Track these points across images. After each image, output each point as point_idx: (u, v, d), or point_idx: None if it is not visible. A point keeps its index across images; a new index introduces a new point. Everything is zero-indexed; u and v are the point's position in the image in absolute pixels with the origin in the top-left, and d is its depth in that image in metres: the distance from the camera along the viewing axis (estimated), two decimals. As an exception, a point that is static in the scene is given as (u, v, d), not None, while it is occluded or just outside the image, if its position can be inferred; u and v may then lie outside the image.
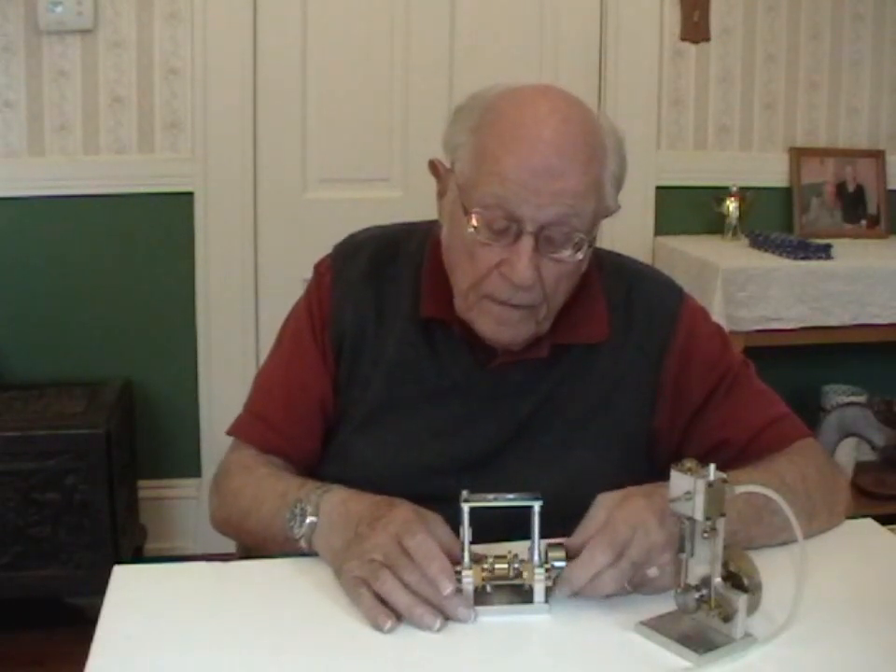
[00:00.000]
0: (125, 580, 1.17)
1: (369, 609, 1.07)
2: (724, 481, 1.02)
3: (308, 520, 1.19)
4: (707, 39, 3.05)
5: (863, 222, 3.16)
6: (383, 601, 1.07)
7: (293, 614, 1.10)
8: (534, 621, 1.09)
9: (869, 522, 1.34)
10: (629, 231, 2.93)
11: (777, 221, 3.11)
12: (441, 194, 1.33)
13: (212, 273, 2.88)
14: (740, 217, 2.97)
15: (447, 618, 1.07)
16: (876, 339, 2.82)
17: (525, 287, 1.22)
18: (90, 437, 2.47)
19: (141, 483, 2.87)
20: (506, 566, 1.09)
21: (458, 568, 1.08)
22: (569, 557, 1.09)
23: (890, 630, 1.07)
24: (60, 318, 2.84)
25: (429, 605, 1.06)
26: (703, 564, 1.04)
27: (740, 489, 1.06)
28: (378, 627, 1.05)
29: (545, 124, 1.21)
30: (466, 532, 1.08)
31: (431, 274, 1.35)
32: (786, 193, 3.14)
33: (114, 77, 2.76)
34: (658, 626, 1.06)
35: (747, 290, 2.64)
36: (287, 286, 2.52)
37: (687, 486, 1.02)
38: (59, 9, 2.67)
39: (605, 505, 1.12)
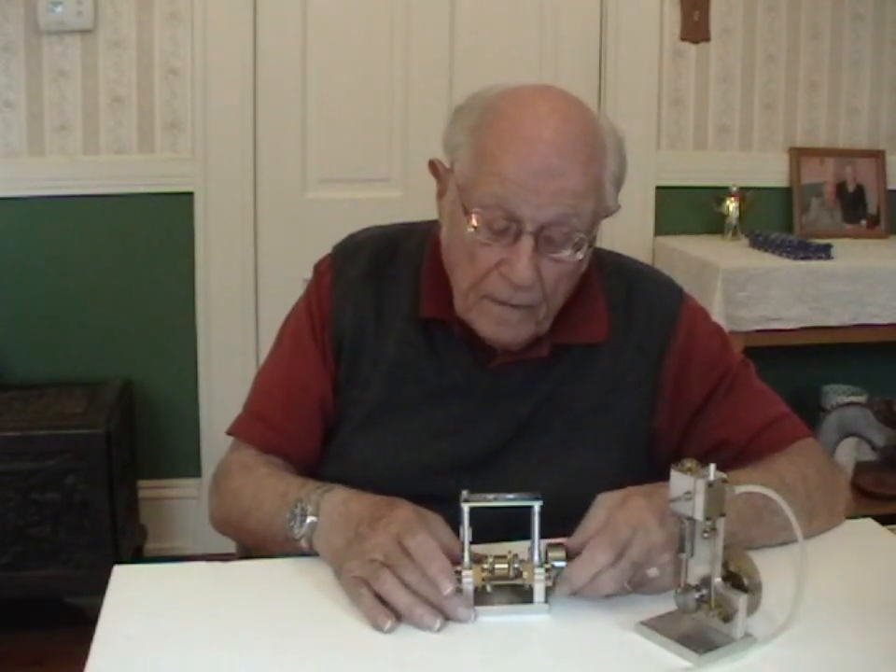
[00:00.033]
0: (125, 580, 1.17)
1: (369, 608, 1.07)
2: (724, 481, 1.02)
3: (308, 520, 1.19)
4: (707, 39, 3.05)
5: (863, 222, 3.16)
6: (383, 601, 1.07)
7: (293, 614, 1.10)
8: (534, 621, 1.09)
9: (869, 522, 1.34)
10: (629, 231, 2.93)
11: (776, 221, 3.11)
12: (440, 194, 1.33)
13: (212, 273, 2.88)
14: (740, 217, 2.97)
15: (447, 618, 1.07)
16: (876, 339, 2.82)
17: (525, 287, 1.22)
18: (90, 437, 2.47)
19: (141, 483, 2.87)
20: (506, 566, 1.09)
21: (458, 568, 1.08)
22: (569, 557, 1.09)
23: (890, 630, 1.07)
24: (60, 318, 2.84)
25: (429, 605, 1.06)
26: (703, 564, 1.04)
27: (740, 489, 1.06)
28: (378, 627, 1.05)
29: (545, 124, 1.21)
30: (466, 532, 1.08)
31: (431, 274, 1.35)
32: (786, 193, 3.14)
33: (114, 76, 2.76)
34: (658, 626, 1.06)
35: (747, 290, 2.64)
36: (287, 286, 2.52)
37: (687, 486, 1.02)
38: (59, 9, 2.68)
39: (605, 505, 1.12)
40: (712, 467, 1.02)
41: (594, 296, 1.36)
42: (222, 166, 2.84)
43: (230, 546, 1.44)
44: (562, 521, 1.12)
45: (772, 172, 3.12)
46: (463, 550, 1.08)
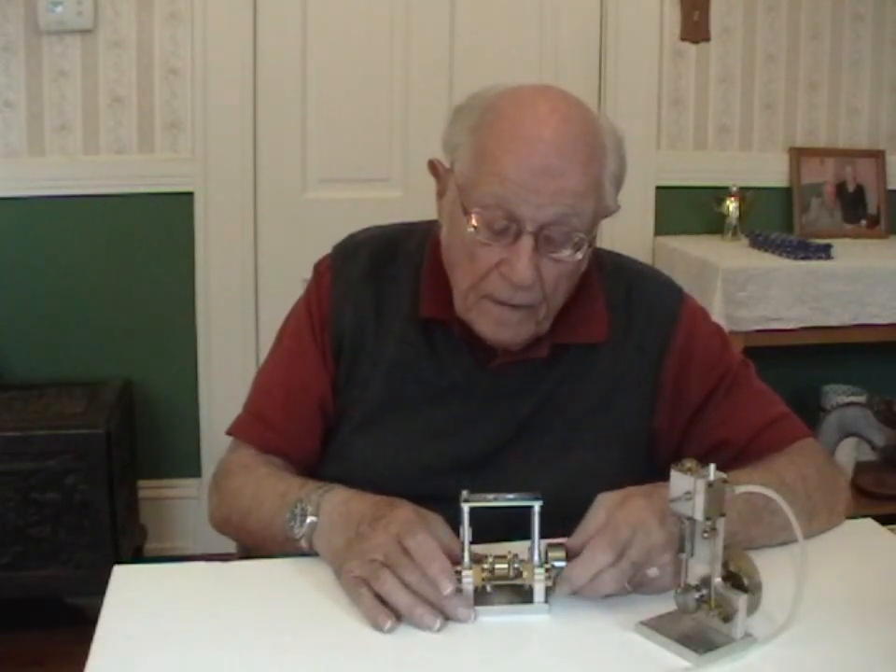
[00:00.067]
0: (125, 580, 1.17)
1: (369, 608, 1.07)
2: (724, 481, 1.02)
3: (308, 520, 1.19)
4: (707, 39, 3.05)
5: (863, 222, 3.16)
6: (383, 601, 1.07)
7: (293, 614, 1.10)
8: (534, 621, 1.09)
9: (869, 522, 1.35)
10: (629, 231, 2.93)
11: (776, 221, 3.11)
12: (440, 194, 1.33)
13: (212, 273, 2.88)
14: (740, 217, 2.97)
15: (447, 618, 1.07)
16: (876, 339, 2.82)
17: (525, 287, 1.22)
18: (90, 437, 2.47)
19: (141, 483, 2.87)
20: (506, 566, 1.09)
21: (458, 568, 1.08)
22: (569, 557, 1.09)
23: (890, 630, 1.07)
24: (60, 318, 2.84)
25: (429, 605, 1.06)
26: (703, 564, 1.04)
27: (740, 489, 1.06)
28: (378, 627, 1.05)
29: (545, 124, 1.21)
30: (466, 532, 1.08)
31: (431, 274, 1.35)
32: (786, 193, 3.14)
33: (114, 76, 2.76)
34: (658, 626, 1.06)
35: (747, 290, 2.64)
36: (287, 286, 2.52)
37: (687, 486, 1.02)
38: (59, 9, 2.68)
39: (605, 505, 1.12)
40: (712, 467, 1.02)
41: (593, 296, 1.36)
42: (222, 166, 2.84)
43: (230, 546, 1.44)
44: (562, 521, 1.12)
45: (772, 172, 3.12)
46: (463, 550, 1.08)
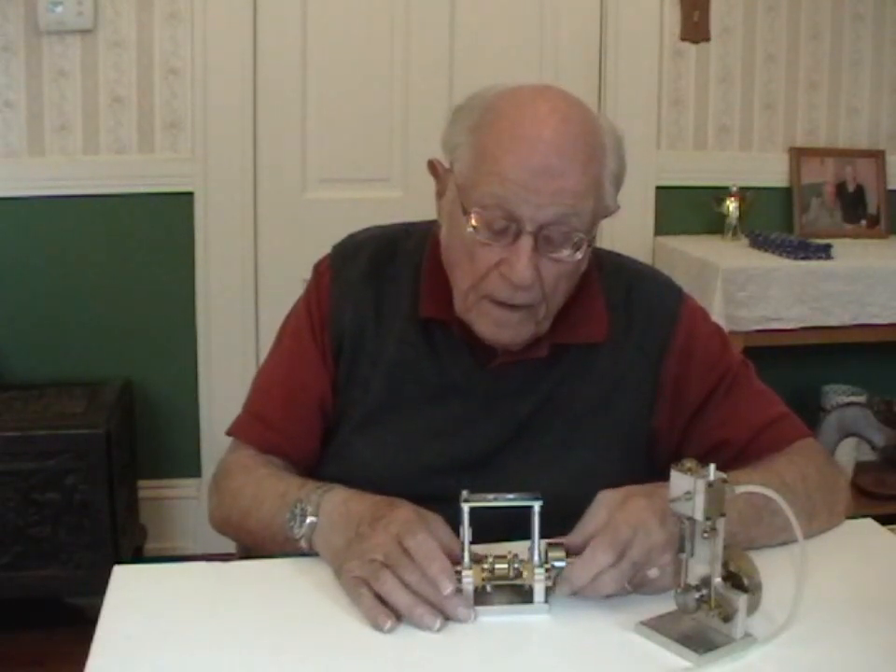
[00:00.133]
0: (125, 580, 1.17)
1: (369, 608, 1.07)
2: (724, 481, 1.02)
3: (308, 520, 1.19)
4: (707, 39, 3.05)
5: (863, 222, 3.16)
6: (383, 601, 1.07)
7: (293, 614, 1.10)
8: (534, 621, 1.09)
9: (869, 522, 1.34)
10: (629, 231, 2.93)
11: (776, 221, 3.11)
12: (440, 194, 1.33)
13: (212, 273, 2.88)
14: (740, 217, 2.97)
15: (447, 618, 1.07)
16: (876, 339, 2.82)
17: (525, 287, 1.22)
18: (90, 437, 2.47)
19: (141, 483, 2.87)
20: (506, 566, 1.09)
21: (458, 568, 1.08)
22: (569, 554, 1.09)
23: (890, 630, 1.07)
24: (60, 318, 2.84)
25: (429, 605, 1.06)
26: (703, 564, 1.04)
27: (740, 489, 1.06)
28: (378, 627, 1.05)
29: (544, 124, 1.21)
30: (466, 532, 1.08)
31: (430, 274, 1.35)
32: (786, 193, 3.14)
33: (114, 76, 2.76)
34: (658, 626, 1.06)
35: (747, 290, 2.64)
36: (287, 286, 2.52)
37: (687, 486, 1.02)
38: (59, 9, 2.68)
39: (606, 503, 1.12)
40: (712, 467, 1.02)
41: (593, 296, 1.36)
42: (222, 166, 2.84)
43: (230, 546, 1.44)
44: (562, 521, 1.12)
45: (772, 172, 3.12)
46: (463, 550, 1.08)
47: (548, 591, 1.10)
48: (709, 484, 1.01)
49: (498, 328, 1.27)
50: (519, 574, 1.10)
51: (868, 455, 3.05)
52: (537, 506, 1.08)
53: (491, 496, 1.10)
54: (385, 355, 1.35)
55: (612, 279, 1.39)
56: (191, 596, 1.14)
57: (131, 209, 2.82)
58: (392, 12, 2.91)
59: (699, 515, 1.01)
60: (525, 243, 1.21)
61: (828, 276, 2.68)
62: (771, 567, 1.10)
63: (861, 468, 3.03)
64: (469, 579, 1.08)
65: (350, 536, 1.13)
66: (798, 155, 3.12)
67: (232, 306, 2.91)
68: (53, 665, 2.36)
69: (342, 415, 1.37)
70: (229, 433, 1.42)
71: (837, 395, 3.10)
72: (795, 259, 2.73)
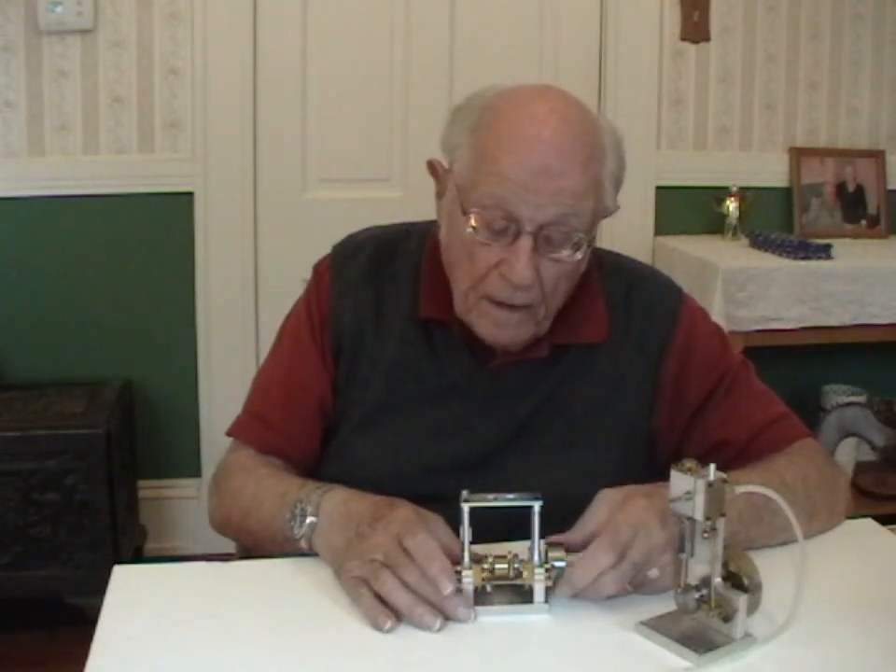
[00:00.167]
0: (125, 580, 1.17)
1: (369, 608, 1.07)
2: (724, 481, 1.02)
3: (308, 520, 1.19)
4: (707, 39, 3.05)
5: (863, 222, 3.16)
6: (383, 601, 1.07)
7: (293, 614, 1.10)
8: (534, 621, 1.09)
9: (869, 522, 1.35)
10: (629, 231, 2.93)
11: (776, 221, 3.11)
12: (439, 195, 1.33)
13: (212, 273, 2.88)
14: (740, 217, 2.97)
15: (447, 618, 1.07)
16: (876, 339, 2.82)
17: (524, 287, 1.22)
18: (90, 437, 2.47)
19: (141, 482, 2.87)
20: (506, 566, 1.09)
21: (458, 568, 1.08)
22: (568, 550, 1.09)
23: (890, 630, 1.07)
24: (60, 318, 2.84)
25: (429, 605, 1.06)
26: (703, 564, 1.04)
27: (740, 489, 1.06)
28: (378, 627, 1.05)
29: (544, 124, 1.21)
30: (466, 532, 1.08)
31: (430, 275, 1.35)
32: (786, 193, 3.14)
33: (114, 76, 2.76)
34: (658, 626, 1.06)
35: (747, 290, 2.64)
36: (287, 286, 2.52)
37: (687, 486, 1.02)
38: (59, 9, 2.68)
39: (606, 502, 1.13)
40: (712, 467, 1.02)
41: (593, 296, 1.36)
42: (222, 166, 2.84)
43: (230, 546, 1.44)
44: (562, 521, 1.12)
45: (772, 172, 3.12)
46: (463, 550, 1.08)
47: (548, 591, 1.10)
48: (709, 484, 1.01)
49: (498, 328, 1.27)
50: (519, 574, 1.10)
51: (868, 455, 3.05)
52: (537, 506, 1.08)
53: (491, 496, 1.10)
54: (384, 355, 1.35)
55: (612, 279, 1.39)
56: (191, 596, 1.14)
57: (131, 209, 2.82)
58: (392, 12, 2.91)
59: (699, 515, 1.01)
60: (525, 243, 1.21)
61: (828, 276, 2.68)
62: (771, 566, 1.10)
63: (860, 468, 3.03)
64: (469, 579, 1.08)
65: (350, 536, 1.13)
66: (798, 155, 3.12)
67: (232, 306, 2.91)
68: (53, 665, 2.36)
69: (341, 415, 1.37)
70: (228, 433, 1.42)
71: (837, 395, 3.10)
72: (795, 259, 2.73)
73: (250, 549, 1.35)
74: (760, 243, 2.87)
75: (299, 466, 1.37)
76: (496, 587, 1.10)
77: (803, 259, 2.73)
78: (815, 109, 3.15)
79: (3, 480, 2.43)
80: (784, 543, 1.19)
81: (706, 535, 1.02)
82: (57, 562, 2.48)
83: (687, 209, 3.09)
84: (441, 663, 1.02)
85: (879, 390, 3.08)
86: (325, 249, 1.45)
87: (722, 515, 1.02)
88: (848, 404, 2.99)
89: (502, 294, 1.24)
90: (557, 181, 1.19)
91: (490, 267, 1.23)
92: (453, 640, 1.05)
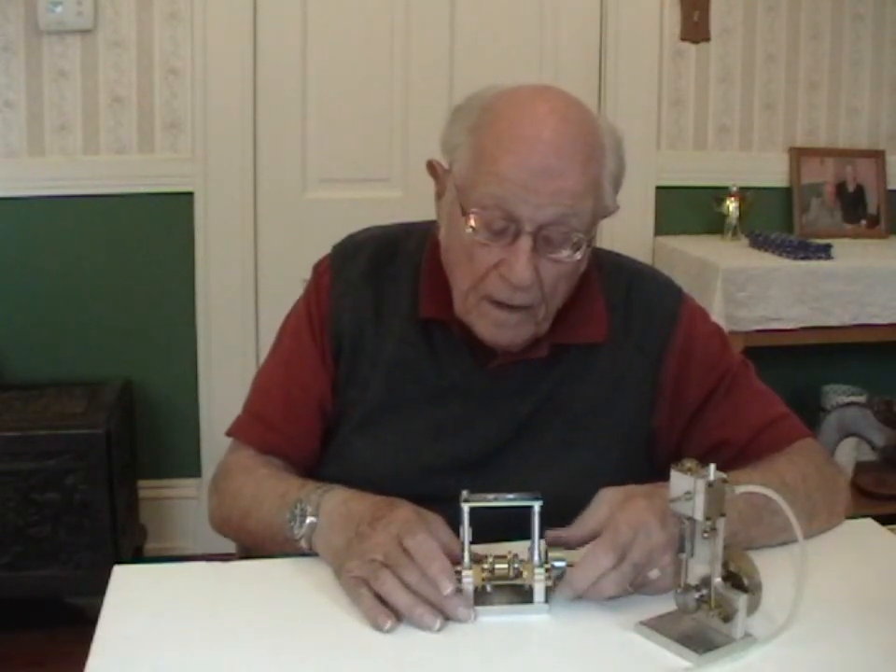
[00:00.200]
0: (125, 580, 1.17)
1: (369, 608, 1.07)
2: (724, 481, 1.02)
3: (308, 520, 1.19)
4: (707, 39, 3.05)
5: (863, 222, 3.16)
6: (383, 601, 1.07)
7: (293, 614, 1.10)
8: (534, 621, 1.09)
9: (869, 522, 1.35)
10: (629, 231, 2.93)
11: (776, 221, 3.11)
12: (439, 195, 1.33)
13: (212, 273, 2.88)
14: (740, 217, 2.97)
15: (447, 618, 1.07)
16: (876, 339, 2.82)
17: (524, 288, 1.22)
18: (90, 437, 2.47)
19: (141, 482, 2.87)
20: (506, 566, 1.09)
21: (458, 568, 1.08)
22: (567, 547, 1.09)
23: (890, 630, 1.07)
24: (60, 318, 2.84)
25: (429, 605, 1.06)
26: (703, 564, 1.04)
27: (740, 489, 1.06)
28: (378, 627, 1.05)
29: (544, 124, 1.21)
30: (466, 532, 1.08)
31: (430, 275, 1.35)
32: (786, 193, 3.14)
33: (114, 76, 2.76)
34: (658, 626, 1.06)
35: (747, 290, 2.64)
36: (287, 286, 2.51)
37: (687, 486, 1.02)
38: (59, 9, 2.68)
39: (607, 500, 1.13)
40: (712, 467, 1.02)
41: (593, 296, 1.36)
42: (222, 166, 2.84)
43: (230, 546, 1.44)
44: (562, 521, 1.12)
45: (772, 172, 3.12)
46: (463, 550, 1.08)
47: (548, 591, 1.10)
48: (709, 484, 1.01)
49: (498, 328, 1.27)
50: (519, 574, 1.10)
51: (868, 455, 3.05)
52: (537, 506, 1.08)
53: (491, 496, 1.10)
54: (384, 355, 1.35)
55: (612, 279, 1.39)
56: (191, 596, 1.14)
57: (131, 209, 2.82)
58: (392, 12, 2.91)
59: (699, 515, 1.01)
60: (524, 243, 1.21)
61: (828, 276, 2.68)
62: (771, 566, 1.10)
63: (861, 468, 3.03)
64: (469, 579, 1.08)
65: (350, 536, 1.13)
66: (798, 155, 3.12)
67: (232, 306, 2.91)
68: (53, 665, 2.36)
69: (341, 415, 1.37)
70: (228, 434, 1.42)
71: (837, 395, 3.10)
72: (795, 259, 2.73)
73: (250, 549, 1.35)
74: (760, 243, 2.87)
75: (299, 466, 1.37)
76: (496, 587, 1.10)
77: (803, 258, 2.73)
78: (815, 109, 3.15)
79: (3, 480, 2.43)
80: (784, 543, 1.19)
81: (706, 535, 1.02)
82: (57, 562, 2.48)
83: (687, 209, 3.09)
84: (440, 663, 1.02)
85: (879, 390, 3.08)
86: (325, 249, 1.45)
87: (722, 515, 1.02)
88: (848, 404, 2.99)
89: (502, 294, 1.24)
90: (557, 181, 1.19)
91: (490, 267, 1.23)
92: (453, 640, 1.05)
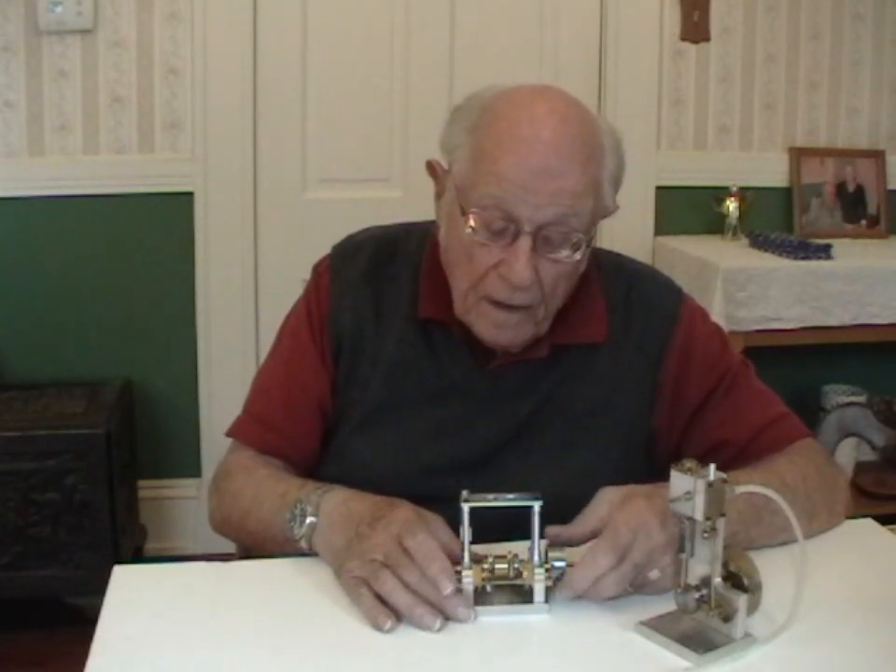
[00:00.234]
0: (125, 580, 1.17)
1: (369, 608, 1.07)
2: (724, 481, 1.02)
3: (308, 520, 1.19)
4: (707, 39, 3.05)
5: (863, 222, 3.16)
6: (383, 601, 1.07)
7: (293, 614, 1.10)
8: (534, 621, 1.09)
9: (869, 522, 1.35)
10: (629, 231, 2.93)
11: (776, 221, 3.11)
12: (438, 195, 1.33)
13: (212, 273, 2.88)
14: (740, 217, 2.97)
15: (447, 618, 1.07)
16: (876, 339, 2.82)
17: (524, 288, 1.22)
18: (90, 437, 2.47)
19: (141, 482, 2.87)
20: (506, 566, 1.09)
21: (458, 568, 1.08)
22: (566, 545, 1.09)
23: (890, 630, 1.07)
24: (60, 318, 2.84)
25: (429, 605, 1.06)
26: (703, 564, 1.04)
27: (740, 489, 1.06)
28: (378, 627, 1.05)
29: (543, 124, 1.21)
30: (466, 532, 1.08)
31: (430, 275, 1.35)
32: (786, 193, 3.14)
33: (114, 76, 2.76)
34: (658, 626, 1.06)
35: (747, 290, 2.64)
36: (287, 286, 2.51)
37: (687, 486, 1.02)
38: (59, 9, 2.68)
39: (607, 499, 1.13)
40: (712, 467, 1.02)
41: (593, 296, 1.36)
42: (222, 166, 2.84)
43: (230, 546, 1.44)
44: (562, 521, 1.12)
45: (772, 172, 3.12)
46: (463, 550, 1.08)
47: (548, 591, 1.10)
48: (709, 484, 1.01)
49: (498, 329, 1.27)
50: (519, 574, 1.10)
51: (868, 455, 3.05)
52: (537, 506, 1.08)
53: (491, 496, 1.10)
54: (384, 355, 1.35)
55: (612, 279, 1.39)
56: (191, 596, 1.14)
57: (131, 209, 2.82)
58: (392, 12, 2.91)
59: (699, 515, 1.01)
60: (524, 243, 1.21)
61: (828, 276, 2.68)
62: (771, 566, 1.10)
63: (861, 468, 3.03)
64: (469, 579, 1.08)
65: (350, 536, 1.13)
66: (798, 155, 3.12)
67: (232, 306, 2.91)
68: (53, 665, 2.35)
69: (341, 416, 1.37)
70: (228, 434, 1.42)
71: (837, 395, 3.10)
72: (795, 258, 2.73)
73: (250, 549, 1.35)
74: (760, 243, 2.87)
75: (299, 466, 1.37)
76: (496, 587, 1.10)
77: (803, 258, 2.73)
78: (815, 109, 3.15)
79: (3, 480, 2.43)
80: (784, 543, 1.19)
81: (706, 535, 1.02)
82: (57, 562, 2.48)
83: (687, 209, 3.09)
84: (441, 663, 1.02)
85: (879, 390, 3.08)
86: (325, 249, 1.45)
87: (722, 515, 1.02)
88: (848, 404, 2.99)
89: (501, 294, 1.24)
90: (556, 181, 1.19)
91: (489, 267, 1.23)
92: (453, 640, 1.05)
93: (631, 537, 1.08)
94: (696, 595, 1.04)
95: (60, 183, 2.77)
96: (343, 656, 1.02)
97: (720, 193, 2.98)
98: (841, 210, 3.14)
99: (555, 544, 1.11)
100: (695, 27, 3.03)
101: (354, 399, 1.36)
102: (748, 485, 1.08)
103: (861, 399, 3.05)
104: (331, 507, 1.19)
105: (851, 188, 3.15)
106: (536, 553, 1.09)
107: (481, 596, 1.09)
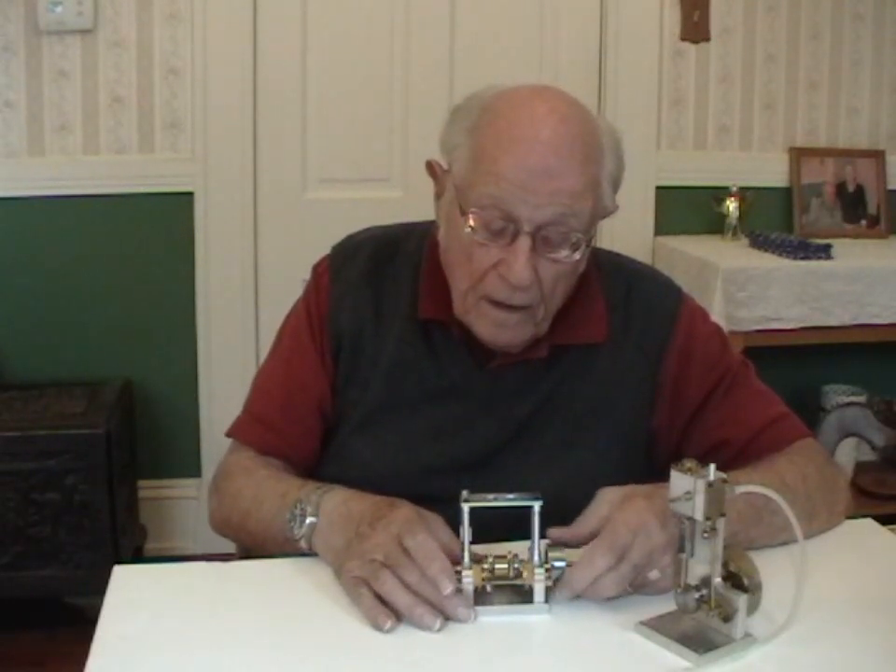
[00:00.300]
0: (125, 580, 1.17)
1: (369, 608, 1.07)
2: (724, 481, 1.02)
3: (308, 520, 1.19)
4: (707, 39, 3.05)
5: (863, 222, 3.16)
6: (383, 601, 1.07)
7: (293, 614, 1.10)
8: (534, 621, 1.09)
9: (869, 522, 1.35)
10: (629, 231, 2.93)
11: (776, 221, 3.11)
12: (438, 195, 1.33)
13: (212, 273, 2.88)
14: (740, 217, 2.97)
15: (447, 618, 1.07)
16: (876, 339, 2.82)
17: (523, 288, 1.22)
18: (90, 437, 2.47)
19: (141, 482, 2.87)
20: (506, 566, 1.09)
21: (458, 568, 1.08)
22: (565, 545, 1.09)
23: (890, 630, 1.07)
24: (60, 318, 2.84)
25: (429, 605, 1.06)
26: (703, 564, 1.04)
27: (740, 489, 1.06)
28: (378, 627, 1.05)
29: (542, 124, 1.21)
30: (466, 532, 1.08)
31: (429, 275, 1.35)
32: (786, 193, 3.14)
33: (114, 76, 2.76)
34: (658, 626, 1.06)
35: (747, 290, 2.64)
36: (287, 286, 2.50)
37: (687, 486, 1.02)
38: (59, 9, 2.68)
39: (607, 499, 1.13)
40: (712, 467, 1.02)
41: (592, 296, 1.36)
42: (222, 166, 2.84)
43: (230, 546, 1.44)
44: (562, 521, 1.12)
45: (772, 172, 3.12)
46: (463, 550, 1.08)
47: (548, 591, 1.10)
48: (709, 484, 1.01)
49: (497, 329, 1.27)
50: (519, 574, 1.10)
51: (868, 455, 3.05)
52: (537, 506, 1.08)
53: (491, 496, 1.10)
54: (384, 355, 1.35)
55: (611, 279, 1.39)
56: (191, 596, 1.14)
57: (131, 209, 2.82)
58: (392, 12, 2.91)
59: (699, 515, 1.01)
60: (523, 243, 1.21)
61: (828, 276, 2.68)
62: (771, 566, 1.10)
63: (861, 468, 3.03)
64: (469, 579, 1.08)
65: (350, 536, 1.13)
66: (798, 155, 3.12)
67: (232, 306, 2.91)
68: (53, 665, 2.36)
69: (341, 416, 1.37)
70: (228, 434, 1.42)
71: (837, 395, 3.10)
72: (795, 259, 2.73)
73: (250, 549, 1.35)
74: (760, 243, 2.87)
75: (299, 466, 1.37)
76: (496, 587, 1.10)
77: (803, 259, 2.73)
78: (815, 109, 3.15)
79: (3, 480, 2.43)
80: (784, 543, 1.19)
81: (706, 535, 1.02)
82: (57, 562, 2.48)
83: (687, 209, 3.09)
84: (440, 663, 1.02)
85: (879, 390, 3.08)
86: (325, 249, 1.45)
87: (722, 515, 1.02)
88: (848, 404, 2.99)
89: (501, 294, 1.24)
90: (555, 181, 1.19)
91: (488, 267, 1.23)
92: (453, 640, 1.05)
93: (630, 537, 1.08)
94: (696, 595, 1.04)
95: (60, 183, 2.77)
96: (343, 656, 1.02)
97: (720, 193, 2.98)
98: (841, 210, 3.14)
99: (556, 545, 1.11)
100: (695, 27, 3.03)
101: (354, 399, 1.36)
102: (748, 485, 1.08)
103: (861, 399, 3.05)
104: (331, 507, 1.19)
105: (851, 188, 3.15)
106: (536, 553, 1.09)
107: (481, 596, 1.09)
